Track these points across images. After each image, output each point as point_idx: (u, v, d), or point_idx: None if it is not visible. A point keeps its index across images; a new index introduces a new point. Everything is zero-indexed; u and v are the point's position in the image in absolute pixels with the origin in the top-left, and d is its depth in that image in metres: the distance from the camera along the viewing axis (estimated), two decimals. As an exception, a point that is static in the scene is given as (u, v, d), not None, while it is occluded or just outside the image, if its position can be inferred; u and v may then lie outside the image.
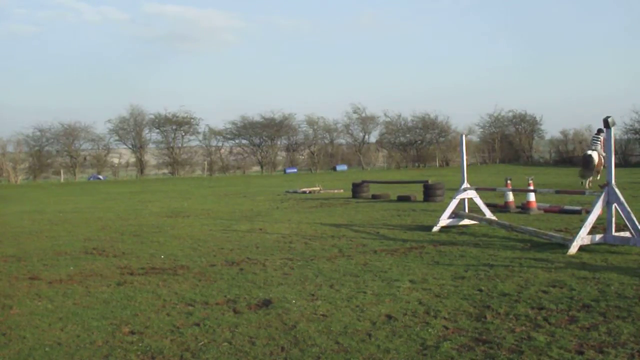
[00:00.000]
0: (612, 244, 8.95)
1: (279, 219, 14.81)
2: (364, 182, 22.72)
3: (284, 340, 4.99)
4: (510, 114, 64.42)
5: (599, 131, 23.87)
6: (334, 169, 61.02)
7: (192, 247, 10.44)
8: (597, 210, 8.89)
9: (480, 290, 6.50)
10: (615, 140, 11.47)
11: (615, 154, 8.14)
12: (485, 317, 5.45)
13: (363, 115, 65.25)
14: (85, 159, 61.52)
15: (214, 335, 5.21)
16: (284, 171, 60.12)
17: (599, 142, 23.31)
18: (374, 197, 20.93)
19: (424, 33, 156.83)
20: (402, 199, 19.25)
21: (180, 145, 62.80)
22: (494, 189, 14.85)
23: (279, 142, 65.07)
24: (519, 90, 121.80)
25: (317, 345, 4.84)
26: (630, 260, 7.95)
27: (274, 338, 5.07)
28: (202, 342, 5.01)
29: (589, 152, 23.37)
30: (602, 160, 22.49)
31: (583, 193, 10.98)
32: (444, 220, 11.81)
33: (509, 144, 64.14)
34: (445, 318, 5.49)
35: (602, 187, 9.05)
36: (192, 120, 62.43)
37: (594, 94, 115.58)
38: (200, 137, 63.53)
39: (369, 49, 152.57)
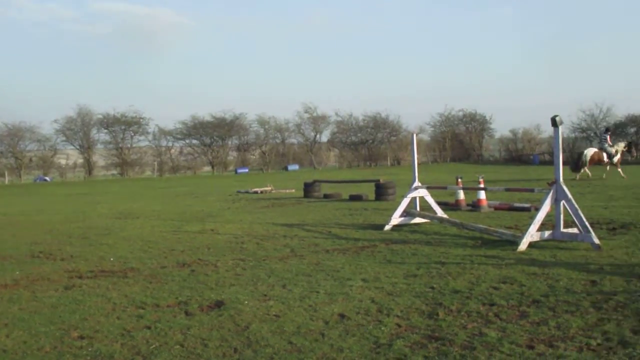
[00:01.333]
0: (560, 240, 9.14)
1: (230, 220, 14.69)
2: (315, 181, 22.76)
3: (237, 342, 4.93)
4: (461, 113, 65.60)
5: (607, 130, 27.17)
6: (286, 168, 61.04)
7: (142, 249, 10.26)
8: (545, 208, 9.06)
9: (432, 288, 6.54)
10: (563, 138, 11.76)
11: (563, 152, 8.37)
12: (437, 315, 5.48)
13: (314, 114, 65.55)
14: (30, 160, 60.14)
15: (165, 338, 5.12)
16: (235, 171, 59.87)
17: (606, 140, 25.75)
18: (326, 196, 20.98)
19: (374, 32, 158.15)
20: (354, 198, 19.33)
21: (129, 145, 61.97)
22: (445, 188, 15.02)
23: (229, 142, 64.81)
24: (469, 89, 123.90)
25: (270, 345, 4.79)
26: (578, 255, 8.11)
27: (226, 339, 5.00)
28: (154, 346, 4.92)
29: (586, 150, 25.93)
30: (603, 157, 25.13)
31: (532, 191, 11.16)
32: (396, 219, 11.88)
33: (460, 142, 65.21)
34: (397, 316, 5.51)
35: (550, 184, 9.22)
36: (141, 120, 61.74)
37: (545, 94, 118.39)
38: (150, 137, 62.92)
39: (319, 48, 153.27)
